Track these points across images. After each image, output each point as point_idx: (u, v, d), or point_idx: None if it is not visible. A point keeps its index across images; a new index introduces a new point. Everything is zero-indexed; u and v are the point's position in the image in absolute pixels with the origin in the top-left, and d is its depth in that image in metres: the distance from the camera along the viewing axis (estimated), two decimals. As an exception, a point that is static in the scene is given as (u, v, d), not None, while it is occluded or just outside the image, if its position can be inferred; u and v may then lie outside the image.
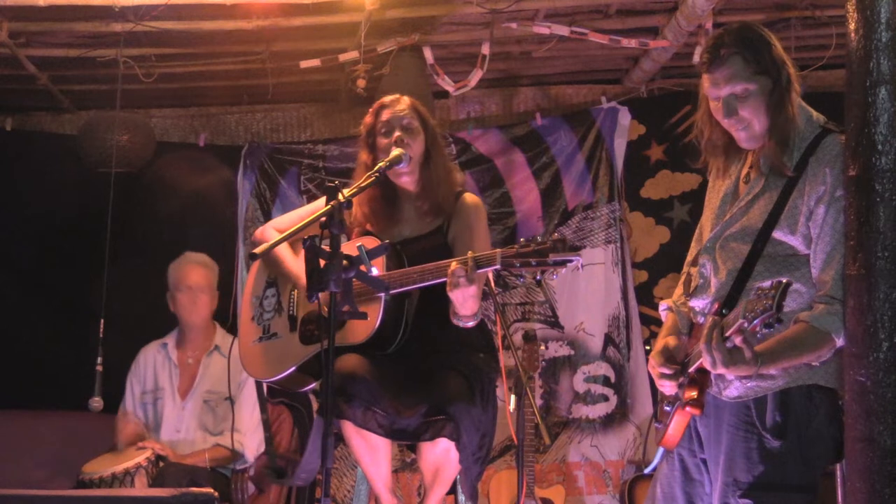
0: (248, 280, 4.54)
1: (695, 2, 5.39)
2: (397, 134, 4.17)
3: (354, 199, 3.69)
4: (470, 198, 4.32)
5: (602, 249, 6.93)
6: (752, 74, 3.29)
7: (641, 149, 7.10)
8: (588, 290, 6.93)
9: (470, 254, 3.70)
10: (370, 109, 4.35)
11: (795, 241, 3.25)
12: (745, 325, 2.99)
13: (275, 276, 4.42)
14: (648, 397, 6.67)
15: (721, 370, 3.11)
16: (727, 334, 3.05)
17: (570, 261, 3.52)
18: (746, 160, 3.47)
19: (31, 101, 7.13)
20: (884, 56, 3.04)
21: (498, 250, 3.64)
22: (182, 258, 5.71)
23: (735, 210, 3.40)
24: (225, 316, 5.82)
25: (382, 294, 3.87)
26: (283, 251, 4.33)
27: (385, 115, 4.25)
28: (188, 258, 5.70)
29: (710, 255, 3.44)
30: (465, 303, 3.77)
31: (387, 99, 4.32)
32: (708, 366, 3.14)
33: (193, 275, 5.59)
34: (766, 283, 2.98)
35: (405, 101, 4.29)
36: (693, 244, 3.71)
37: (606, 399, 6.87)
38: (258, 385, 4.49)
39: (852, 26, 3.13)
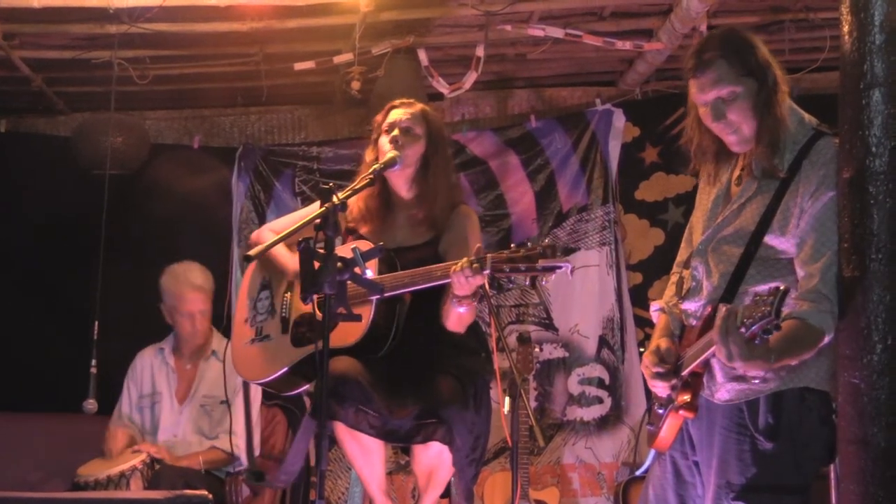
0: (243, 282, 4.54)
1: (689, 4, 5.39)
2: (394, 134, 4.18)
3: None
4: (464, 209, 4.33)
5: (596, 251, 6.94)
6: (738, 77, 3.30)
7: (636, 151, 7.11)
8: (582, 292, 6.93)
9: (466, 259, 3.69)
10: (385, 107, 4.38)
11: (787, 245, 3.25)
12: (744, 330, 2.98)
13: (269, 278, 4.42)
14: (643, 399, 6.67)
15: (738, 363, 3.08)
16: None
17: (559, 267, 3.53)
18: (738, 162, 3.47)
19: (25, 103, 7.12)
20: (877, 59, 3.05)
21: (488, 255, 3.65)
22: (175, 276, 5.58)
23: (727, 213, 3.40)
24: (219, 318, 5.82)
25: (373, 297, 3.87)
26: (279, 249, 4.32)
27: (392, 116, 4.28)
28: (184, 279, 5.56)
29: (703, 258, 3.44)
30: (469, 287, 3.76)
31: (400, 100, 4.36)
32: (723, 358, 3.11)
33: (193, 302, 5.51)
34: (764, 289, 2.98)
35: (416, 107, 4.31)
36: (683, 245, 3.71)
37: (601, 401, 6.87)
38: (245, 388, 4.49)
39: (846, 29, 3.14)
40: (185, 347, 5.59)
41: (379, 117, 4.34)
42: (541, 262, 3.53)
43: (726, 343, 3.06)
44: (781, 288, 2.93)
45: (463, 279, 3.68)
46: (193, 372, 5.52)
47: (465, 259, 3.68)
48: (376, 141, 4.30)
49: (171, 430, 5.41)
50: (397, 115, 4.26)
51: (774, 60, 3.38)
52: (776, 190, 3.28)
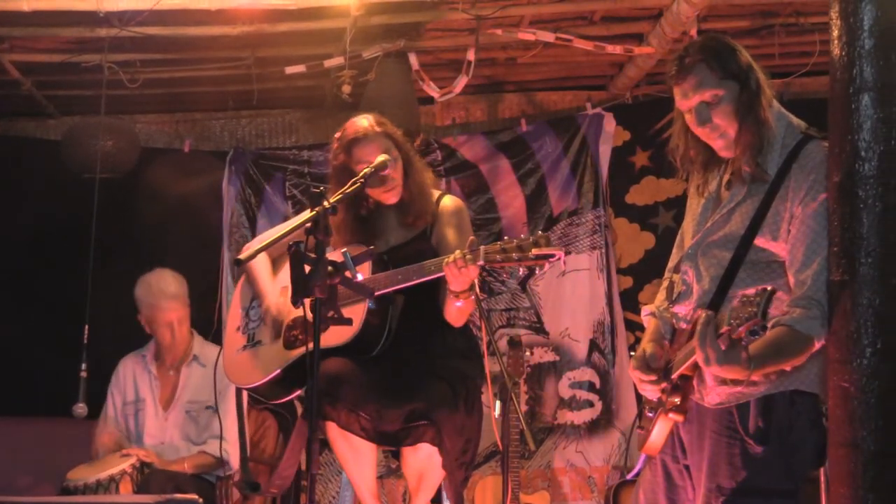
0: (235, 292, 4.56)
1: (679, 9, 5.40)
2: (386, 174, 4.11)
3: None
4: (450, 200, 4.33)
5: (587, 255, 6.94)
6: (719, 80, 3.31)
7: (626, 155, 7.12)
8: (573, 296, 6.94)
9: (459, 252, 3.70)
10: (337, 145, 4.22)
11: (777, 248, 3.26)
12: (731, 331, 2.99)
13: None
14: (633, 403, 6.67)
15: (714, 368, 3.10)
16: (721, 331, 3.05)
17: (553, 255, 3.53)
18: (727, 167, 3.47)
19: (15, 107, 7.10)
20: (867, 63, 3.05)
21: (481, 247, 3.65)
22: (149, 286, 5.50)
23: (717, 217, 3.41)
24: (209, 323, 5.81)
25: (367, 298, 3.88)
26: (261, 270, 4.33)
27: (361, 154, 4.12)
28: (157, 289, 5.48)
29: (693, 262, 3.44)
30: (463, 280, 3.78)
31: (357, 134, 4.17)
32: (701, 362, 3.13)
33: (169, 311, 5.45)
34: (751, 291, 2.99)
35: (375, 131, 4.17)
36: (675, 250, 3.71)
37: (591, 405, 6.88)
38: (237, 393, 4.48)
39: (836, 33, 3.14)
40: (166, 355, 5.56)
41: (342, 157, 4.18)
42: (534, 252, 3.53)
43: (703, 348, 3.07)
44: (769, 289, 2.93)
45: (455, 270, 3.69)
46: (176, 378, 5.50)
47: (457, 251, 3.69)
48: (344, 180, 3.99)
49: (158, 437, 5.39)
50: (367, 153, 4.12)
51: (757, 64, 3.39)
52: (765, 194, 3.29)
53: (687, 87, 3.34)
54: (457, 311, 4.00)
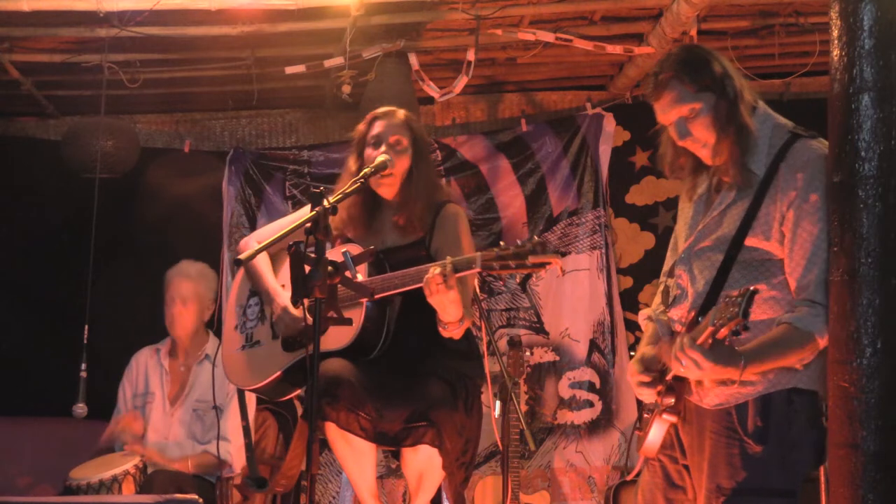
0: (232, 289, 4.54)
1: (679, 9, 5.40)
2: (383, 149, 4.17)
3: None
4: (452, 208, 4.32)
5: (587, 255, 6.94)
6: (694, 93, 3.32)
7: (626, 155, 7.12)
8: (573, 296, 6.93)
9: (449, 259, 3.71)
10: (366, 117, 4.36)
11: (771, 247, 3.27)
12: (714, 332, 3.01)
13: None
14: (633, 403, 6.67)
15: (706, 365, 3.09)
16: (698, 342, 3.07)
17: (549, 263, 3.53)
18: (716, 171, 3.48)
19: (15, 107, 7.11)
20: (867, 63, 3.06)
21: (478, 253, 3.66)
22: (175, 268, 5.64)
23: (708, 220, 3.42)
24: (209, 323, 5.81)
25: (364, 300, 3.87)
26: (264, 267, 4.33)
27: (377, 128, 4.26)
28: (179, 269, 5.62)
29: (686, 266, 3.45)
30: (446, 308, 3.80)
31: (382, 110, 4.33)
32: (691, 375, 3.15)
33: (179, 287, 5.53)
34: (735, 292, 3.00)
35: (399, 117, 4.29)
36: (668, 254, 3.71)
37: (591, 405, 6.87)
38: (240, 392, 4.49)
39: (835, 33, 3.15)
40: (179, 346, 5.58)
41: (362, 127, 4.33)
42: (531, 259, 3.53)
43: (686, 357, 3.09)
44: (751, 289, 2.95)
45: (437, 297, 3.69)
46: (186, 375, 5.52)
47: (442, 263, 3.70)
48: (360, 152, 4.28)
49: (162, 433, 5.40)
50: (383, 126, 4.26)
51: (734, 71, 3.40)
52: (755, 194, 3.30)
53: (664, 103, 3.37)
54: (448, 332, 3.99)
